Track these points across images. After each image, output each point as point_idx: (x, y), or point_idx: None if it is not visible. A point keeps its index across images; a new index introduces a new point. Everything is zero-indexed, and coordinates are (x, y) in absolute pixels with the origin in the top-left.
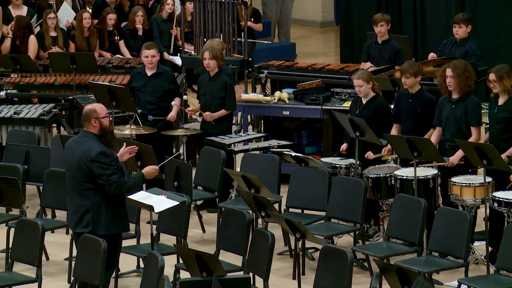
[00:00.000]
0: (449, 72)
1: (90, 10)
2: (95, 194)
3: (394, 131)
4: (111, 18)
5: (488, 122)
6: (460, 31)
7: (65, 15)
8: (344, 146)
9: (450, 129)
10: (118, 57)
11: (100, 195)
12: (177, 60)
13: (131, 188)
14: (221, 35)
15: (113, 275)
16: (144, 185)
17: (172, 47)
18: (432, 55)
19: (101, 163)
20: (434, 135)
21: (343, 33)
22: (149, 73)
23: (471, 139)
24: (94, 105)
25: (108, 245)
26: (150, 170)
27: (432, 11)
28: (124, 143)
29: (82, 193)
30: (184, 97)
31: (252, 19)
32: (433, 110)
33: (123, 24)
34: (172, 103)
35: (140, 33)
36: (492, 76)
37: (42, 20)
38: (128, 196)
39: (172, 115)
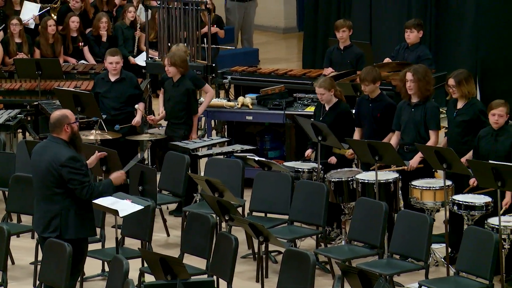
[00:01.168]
0: (409, 76)
1: (55, 17)
2: (64, 199)
3: (356, 135)
4: (74, 21)
5: (446, 126)
6: (411, 36)
7: (30, 12)
8: (308, 152)
9: (410, 133)
10: (83, 63)
11: (68, 200)
12: (141, 60)
13: (102, 193)
14: (185, 41)
15: (78, 279)
16: None
17: (135, 50)
18: (387, 59)
19: (71, 168)
20: (393, 140)
21: (306, 39)
22: (112, 79)
23: (429, 143)
24: (64, 111)
25: (74, 250)
26: (117, 176)
27: (386, 17)
28: (96, 151)
29: (50, 198)
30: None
31: (215, 25)
32: (392, 114)
33: (88, 30)
34: (136, 106)
35: (104, 39)
36: (451, 81)
37: (4, 26)
38: (94, 201)
39: (137, 119)
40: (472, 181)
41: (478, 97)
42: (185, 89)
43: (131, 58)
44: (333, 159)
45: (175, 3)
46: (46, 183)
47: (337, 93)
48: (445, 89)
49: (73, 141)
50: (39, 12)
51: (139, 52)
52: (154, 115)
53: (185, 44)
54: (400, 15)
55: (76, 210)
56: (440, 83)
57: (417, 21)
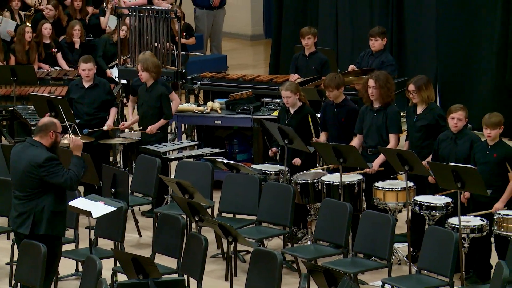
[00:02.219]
0: (371, 83)
1: (30, 25)
2: (39, 198)
3: (322, 139)
4: (46, 27)
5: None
6: (376, 43)
7: (6, 27)
8: (273, 150)
9: (372, 137)
10: (56, 69)
11: (44, 198)
12: (114, 72)
13: (79, 172)
14: (156, 48)
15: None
16: (82, 192)
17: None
18: (352, 67)
19: (50, 168)
20: (354, 143)
21: (273, 45)
22: (86, 85)
23: (389, 146)
24: (54, 120)
25: (48, 250)
26: (74, 145)
27: (352, 24)
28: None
29: (26, 197)
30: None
31: (185, 33)
32: (356, 119)
33: (61, 37)
34: (112, 111)
35: (77, 46)
36: (411, 87)
37: None
38: (68, 203)
39: (108, 123)
40: (431, 178)
41: (438, 102)
42: (158, 94)
43: (108, 71)
44: (297, 161)
45: (146, 11)
46: (23, 182)
47: (302, 97)
48: (406, 94)
49: (53, 150)
50: (14, 29)
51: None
52: (126, 120)
53: (155, 51)
54: (363, 23)
55: (50, 208)
56: (401, 89)
57: (381, 30)
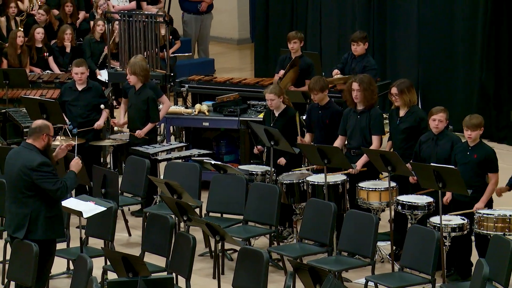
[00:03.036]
0: (355, 86)
1: (22, 29)
2: (34, 202)
3: (307, 139)
4: (39, 32)
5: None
6: (358, 48)
7: None
8: (259, 148)
9: (356, 138)
10: (48, 72)
11: (38, 202)
12: (104, 74)
13: (72, 186)
14: (145, 52)
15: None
16: (73, 193)
17: (100, 63)
18: (336, 72)
19: (43, 173)
20: (337, 144)
21: (258, 49)
22: (79, 88)
23: (372, 147)
24: (47, 122)
25: (43, 251)
26: (74, 164)
27: (336, 29)
28: (62, 144)
29: (21, 200)
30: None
31: (171, 36)
32: (340, 121)
33: (53, 42)
34: (102, 106)
35: (68, 50)
36: (394, 90)
37: None
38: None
39: (98, 123)
40: (412, 178)
41: (420, 105)
42: (146, 98)
43: (97, 71)
44: (282, 160)
45: (135, 16)
46: (18, 186)
47: (285, 100)
48: (388, 97)
49: (46, 152)
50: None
51: (103, 64)
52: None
53: (145, 54)
54: (346, 27)
55: (45, 213)
56: (384, 91)
57: (363, 34)
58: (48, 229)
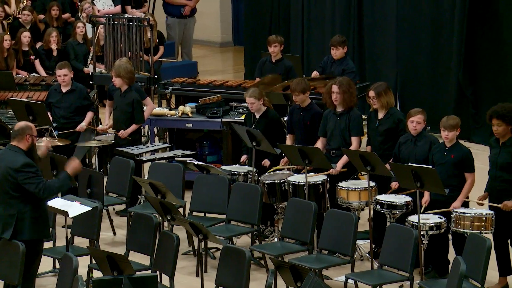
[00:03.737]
0: (335, 88)
1: (8, 32)
2: (20, 203)
3: (288, 141)
4: (25, 35)
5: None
6: (337, 52)
7: None
8: (244, 158)
9: (336, 139)
10: (34, 75)
11: (24, 204)
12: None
13: (60, 188)
14: (130, 55)
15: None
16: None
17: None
18: (315, 73)
19: (26, 173)
20: (318, 145)
21: (247, 52)
22: (64, 90)
23: (352, 148)
24: (29, 123)
25: (30, 251)
26: (73, 166)
27: (315, 32)
28: (45, 145)
29: (7, 201)
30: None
31: (158, 40)
32: (320, 122)
33: (39, 44)
34: (88, 114)
35: (54, 53)
36: (371, 93)
37: None
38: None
39: (81, 124)
40: (394, 184)
41: (398, 107)
42: (131, 100)
43: (85, 68)
44: (266, 162)
45: (120, 19)
46: (3, 187)
47: (266, 102)
48: (366, 100)
49: (30, 153)
50: None
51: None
52: (101, 123)
53: (129, 58)
54: (327, 31)
55: (31, 213)
56: (363, 93)
57: (342, 39)
58: (34, 229)
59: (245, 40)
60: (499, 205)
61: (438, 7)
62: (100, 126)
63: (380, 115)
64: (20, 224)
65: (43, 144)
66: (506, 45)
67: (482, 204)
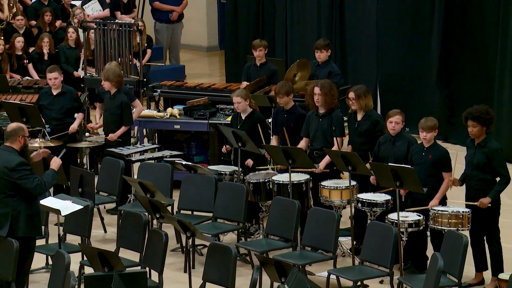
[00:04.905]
0: (317, 90)
1: (2, 37)
2: (14, 201)
3: (273, 142)
4: (19, 41)
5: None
6: (321, 55)
7: None
8: (227, 146)
9: (318, 140)
10: (27, 78)
11: (18, 201)
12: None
13: (51, 184)
14: (120, 58)
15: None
16: (52, 192)
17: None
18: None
19: (22, 171)
20: (301, 145)
21: (228, 56)
22: (54, 92)
23: (334, 148)
24: (21, 124)
25: (23, 247)
26: (54, 163)
27: (301, 37)
28: (39, 149)
29: (2, 200)
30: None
31: (146, 44)
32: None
33: (32, 49)
34: (76, 115)
35: (46, 57)
36: (351, 95)
37: None
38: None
39: (73, 126)
40: (372, 178)
41: (379, 108)
42: (120, 102)
43: (75, 72)
44: (249, 162)
45: (110, 24)
46: None
47: (252, 103)
48: (346, 101)
49: (23, 153)
50: None
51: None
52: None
53: (119, 61)
54: (311, 35)
55: (26, 211)
56: (345, 96)
57: (326, 42)
58: (29, 226)
59: (226, 45)
60: (476, 203)
61: (417, 14)
62: (91, 124)
63: (359, 116)
64: (16, 222)
65: (41, 151)
66: (479, 52)
67: (451, 185)
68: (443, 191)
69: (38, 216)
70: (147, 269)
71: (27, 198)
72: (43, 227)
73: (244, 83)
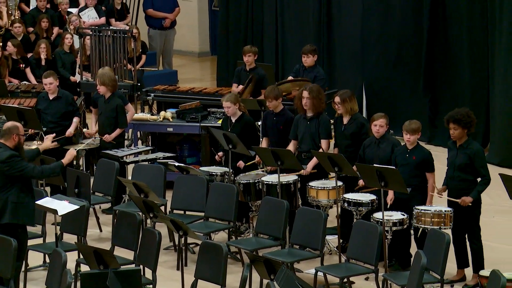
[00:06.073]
0: (305, 94)
1: (0, 43)
2: (3, 192)
3: (264, 143)
4: (10, 46)
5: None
6: (308, 60)
7: None
8: (220, 154)
9: (306, 142)
10: (25, 83)
11: (5, 192)
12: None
13: (53, 170)
14: (114, 64)
15: (23, 269)
16: (49, 192)
17: (76, 72)
18: (289, 78)
19: (12, 161)
20: (289, 147)
21: (220, 61)
22: (51, 97)
23: (321, 150)
24: (17, 124)
25: (10, 235)
26: (69, 155)
27: (289, 42)
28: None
29: None
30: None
31: (141, 50)
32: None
33: (30, 54)
34: (75, 120)
35: (43, 62)
36: (337, 99)
37: None
38: (36, 202)
39: (70, 130)
40: (361, 182)
41: (364, 111)
42: (115, 105)
43: (72, 77)
44: (241, 163)
45: (105, 31)
46: None
47: (241, 107)
48: (332, 105)
49: (17, 150)
50: None
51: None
52: (88, 128)
53: (114, 67)
54: (299, 41)
55: (12, 198)
56: (331, 99)
57: (312, 47)
58: (14, 214)
59: (218, 50)
60: (458, 200)
61: (402, 20)
62: (86, 129)
63: (345, 120)
64: (2, 209)
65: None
66: (458, 58)
67: (441, 196)
68: (431, 190)
69: (26, 206)
70: (141, 267)
71: (17, 188)
72: (40, 227)
73: (235, 86)
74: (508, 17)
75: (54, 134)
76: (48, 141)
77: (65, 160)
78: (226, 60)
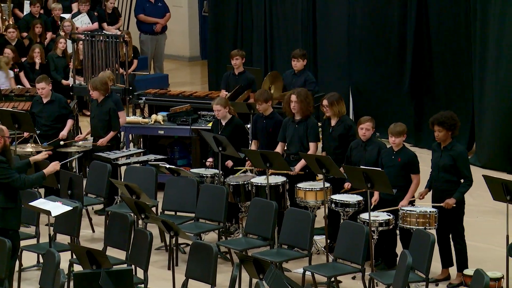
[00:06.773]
0: (293, 98)
1: None
2: None
3: (253, 146)
4: (6, 52)
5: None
6: (298, 64)
7: None
8: (210, 160)
9: (295, 145)
10: (19, 87)
11: None
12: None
13: (33, 183)
14: (107, 68)
15: (17, 269)
16: (43, 194)
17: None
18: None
19: (0, 168)
20: (278, 150)
21: (210, 65)
22: (44, 100)
23: (309, 152)
24: (1, 126)
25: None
26: (51, 167)
27: (277, 47)
28: (43, 152)
29: None
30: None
31: (133, 54)
32: None
33: (24, 59)
34: (69, 122)
35: (37, 67)
36: (325, 102)
37: None
38: (30, 203)
39: (63, 133)
40: (347, 185)
41: (351, 114)
42: (108, 109)
43: (63, 81)
44: (229, 163)
45: (98, 36)
46: None
47: (231, 110)
48: (320, 108)
49: (4, 153)
50: None
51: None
52: (81, 132)
53: (106, 71)
54: (288, 46)
55: (0, 206)
56: (319, 103)
57: (302, 52)
58: (1, 219)
59: (209, 54)
60: (442, 204)
61: (389, 24)
62: (79, 136)
63: (333, 122)
64: None
65: (44, 152)
66: (443, 62)
67: (422, 198)
68: (412, 192)
69: (14, 211)
70: (133, 266)
71: (3, 193)
72: (34, 227)
73: (223, 92)
74: (494, 23)
75: (51, 153)
76: (41, 156)
77: (46, 171)
78: (216, 64)
